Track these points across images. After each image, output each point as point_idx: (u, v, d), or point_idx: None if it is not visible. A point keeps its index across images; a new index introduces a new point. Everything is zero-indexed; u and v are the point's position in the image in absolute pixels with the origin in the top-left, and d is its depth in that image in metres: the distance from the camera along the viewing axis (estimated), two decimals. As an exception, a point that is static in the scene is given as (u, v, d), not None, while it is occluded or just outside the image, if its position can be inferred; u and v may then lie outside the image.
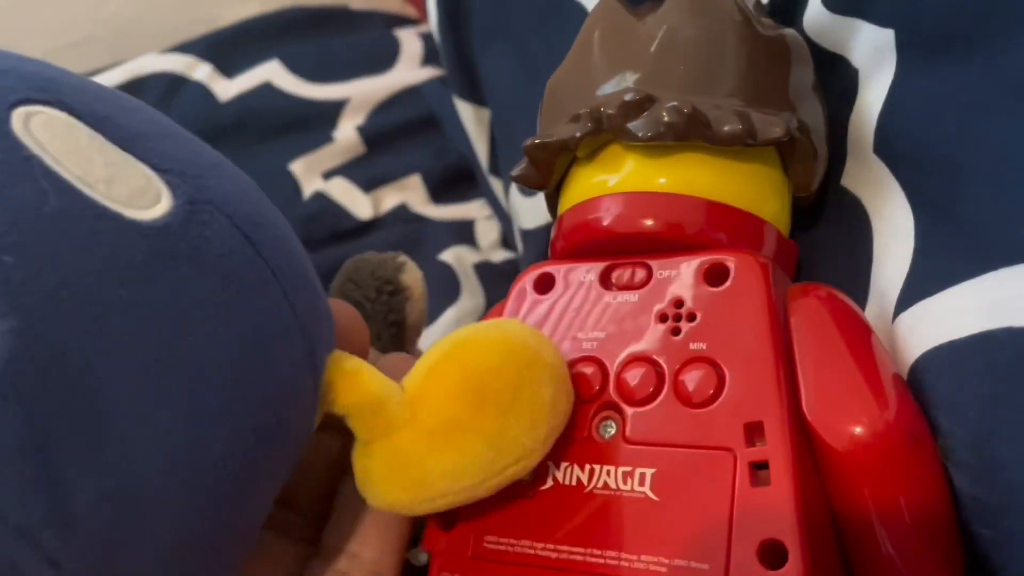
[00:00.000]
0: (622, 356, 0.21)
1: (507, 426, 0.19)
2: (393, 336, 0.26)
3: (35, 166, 0.15)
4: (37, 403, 0.13)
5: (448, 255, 0.45)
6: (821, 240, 0.25)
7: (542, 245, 0.34)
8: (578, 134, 0.22)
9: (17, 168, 0.14)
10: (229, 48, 0.57)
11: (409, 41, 0.59)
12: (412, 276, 0.26)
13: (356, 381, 0.19)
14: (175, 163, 0.17)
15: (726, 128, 0.21)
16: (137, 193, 0.16)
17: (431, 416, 0.19)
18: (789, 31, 0.23)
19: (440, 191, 0.51)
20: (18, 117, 0.15)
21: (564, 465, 0.21)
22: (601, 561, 0.19)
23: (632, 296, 0.22)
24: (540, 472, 0.21)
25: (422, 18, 0.64)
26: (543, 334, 0.21)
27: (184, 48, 0.58)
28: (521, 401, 0.19)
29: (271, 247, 0.18)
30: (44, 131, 0.15)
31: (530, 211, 0.37)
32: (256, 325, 0.17)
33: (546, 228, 0.34)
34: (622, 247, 0.22)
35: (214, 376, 0.16)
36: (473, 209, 0.51)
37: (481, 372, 0.19)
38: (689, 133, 0.21)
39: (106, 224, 0.15)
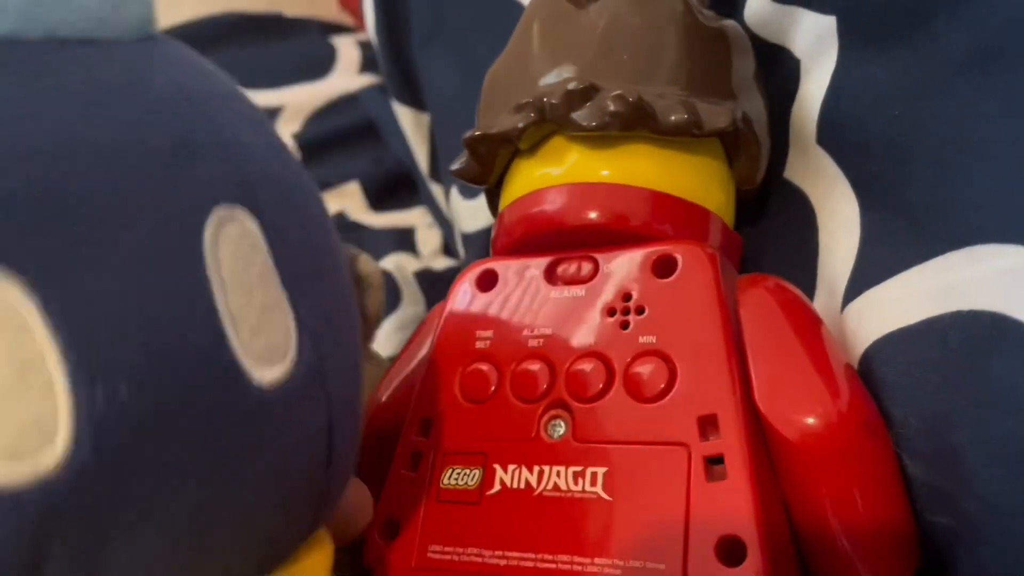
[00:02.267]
0: (571, 352, 0.20)
1: None
2: None
3: (197, 297, 0.12)
4: None
5: (388, 262, 0.44)
6: (766, 233, 0.24)
7: (484, 249, 0.34)
8: (521, 125, 0.21)
9: (182, 290, 0.12)
10: None
11: (346, 48, 0.58)
12: (368, 266, 0.24)
13: None
14: (317, 320, 0.14)
15: (672, 118, 0.20)
16: (272, 351, 0.13)
17: None
18: (729, 22, 0.23)
19: (379, 199, 0.50)
20: (213, 225, 0.12)
21: (512, 468, 0.20)
22: (553, 566, 0.18)
23: (579, 290, 0.21)
24: (487, 476, 0.20)
25: (360, 26, 0.63)
26: None
27: (112, 54, 0.56)
28: None
29: (345, 436, 0.15)
30: (228, 248, 0.12)
31: (471, 214, 0.36)
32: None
33: (488, 231, 0.33)
34: (567, 241, 0.21)
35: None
36: (413, 216, 0.49)
37: None
38: (635, 123, 0.20)
39: (228, 383, 0.12)
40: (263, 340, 0.13)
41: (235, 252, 0.13)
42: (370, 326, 0.25)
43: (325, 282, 0.15)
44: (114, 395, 0.11)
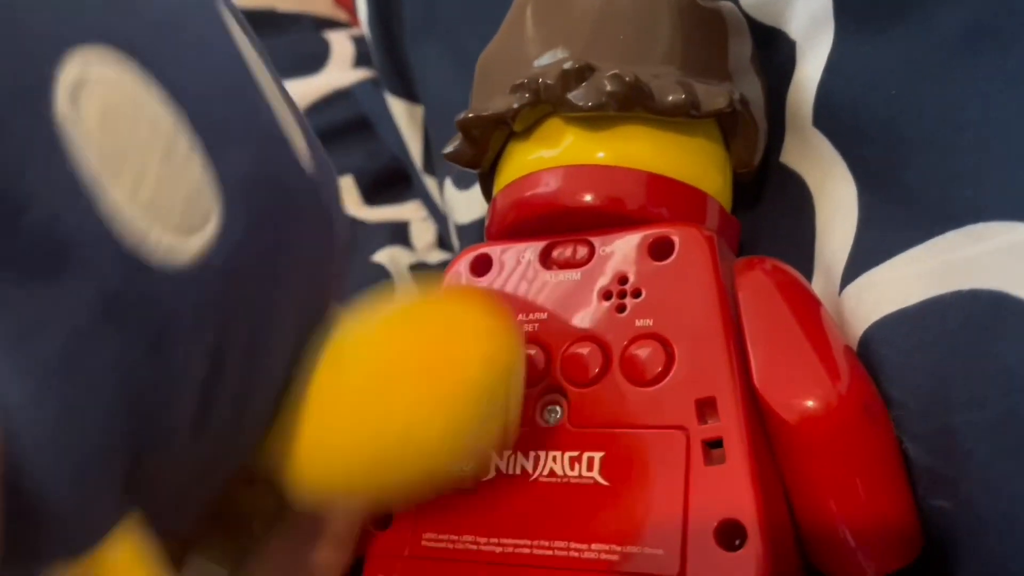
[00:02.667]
0: (567, 336, 0.20)
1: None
2: None
3: (57, 169, 0.11)
4: None
5: (382, 256, 0.44)
6: (763, 217, 0.24)
7: (479, 239, 0.33)
8: (515, 105, 0.21)
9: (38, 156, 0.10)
10: None
11: (340, 43, 0.58)
12: None
13: None
14: (240, 173, 0.13)
15: (670, 98, 0.20)
16: (182, 218, 0.12)
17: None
18: (726, 4, 0.23)
19: (373, 193, 0.49)
20: (67, 80, 0.11)
21: (507, 453, 0.19)
22: (549, 552, 0.18)
23: (574, 274, 0.21)
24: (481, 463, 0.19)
25: (353, 21, 0.62)
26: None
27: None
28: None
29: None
30: (96, 111, 0.11)
31: (465, 204, 0.35)
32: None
33: (482, 221, 0.33)
34: (562, 224, 0.21)
35: None
36: (408, 210, 0.49)
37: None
38: (632, 103, 0.20)
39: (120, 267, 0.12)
40: (169, 213, 0.12)
41: (107, 115, 0.11)
42: None
43: (240, 109, 0.14)
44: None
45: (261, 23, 0.60)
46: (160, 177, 0.12)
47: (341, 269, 0.17)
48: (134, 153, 0.11)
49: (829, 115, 0.21)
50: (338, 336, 0.16)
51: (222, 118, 0.13)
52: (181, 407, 0.13)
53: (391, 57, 0.44)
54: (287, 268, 0.14)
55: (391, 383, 0.15)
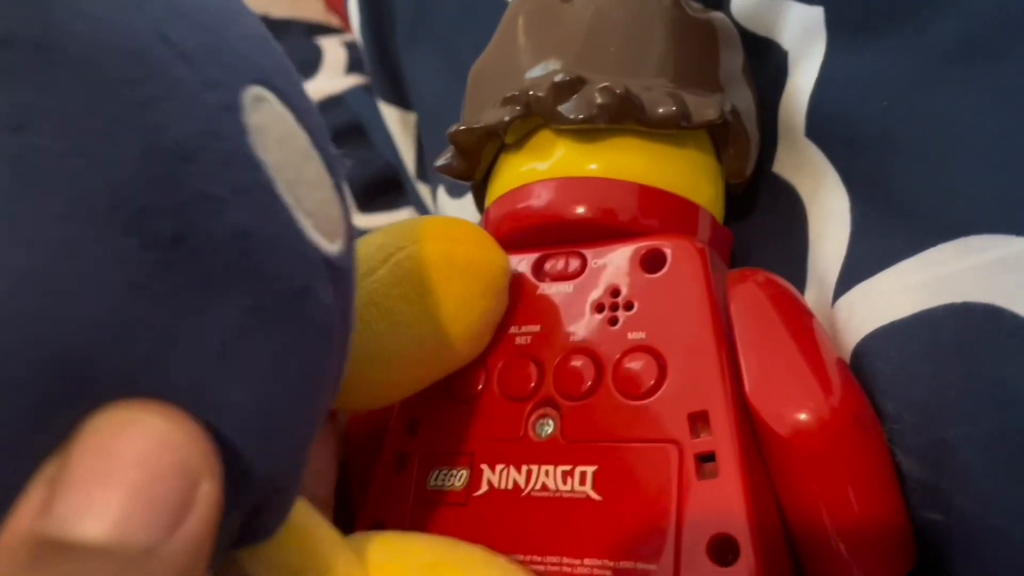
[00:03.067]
0: (559, 349, 0.20)
1: None
2: None
3: (264, 182, 0.12)
4: None
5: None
6: (755, 228, 0.24)
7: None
8: (507, 118, 0.21)
9: (249, 177, 0.12)
10: None
11: (332, 49, 0.58)
12: None
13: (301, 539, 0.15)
14: (347, 193, 0.15)
15: (660, 110, 0.20)
16: (334, 228, 0.14)
17: None
18: (717, 14, 0.23)
19: (366, 200, 0.49)
20: (250, 103, 0.12)
21: (499, 468, 0.19)
22: (541, 568, 0.18)
23: (567, 287, 0.20)
24: (474, 477, 0.19)
25: (345, 27, 0.62)
26: None
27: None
28: None
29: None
30: (269, 128, 0.13)
31: (459, 213, 0.35)
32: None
33: (476, 230, 0.33)
34: (554, 236, 0.21)
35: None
36: (401, 217, 0.49)
37: None
38: (622, 115, 0.20)
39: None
40: (326, 224, 0.14)
41: (273, 136, 0.13)
42: None
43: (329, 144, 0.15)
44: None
45: (254, 29, 0.60)
46: (313, 186, 0.13)
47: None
48: (300, 169, 0.13)
49: (821, 125, 0.21)
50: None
51: (323, 134, 0.14)
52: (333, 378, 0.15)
53: (383, 63, 0.44)
54: None
55: (446, 283, 0.19)
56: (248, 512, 0.13)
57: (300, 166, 0.13)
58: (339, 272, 0.14)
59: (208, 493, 0.11)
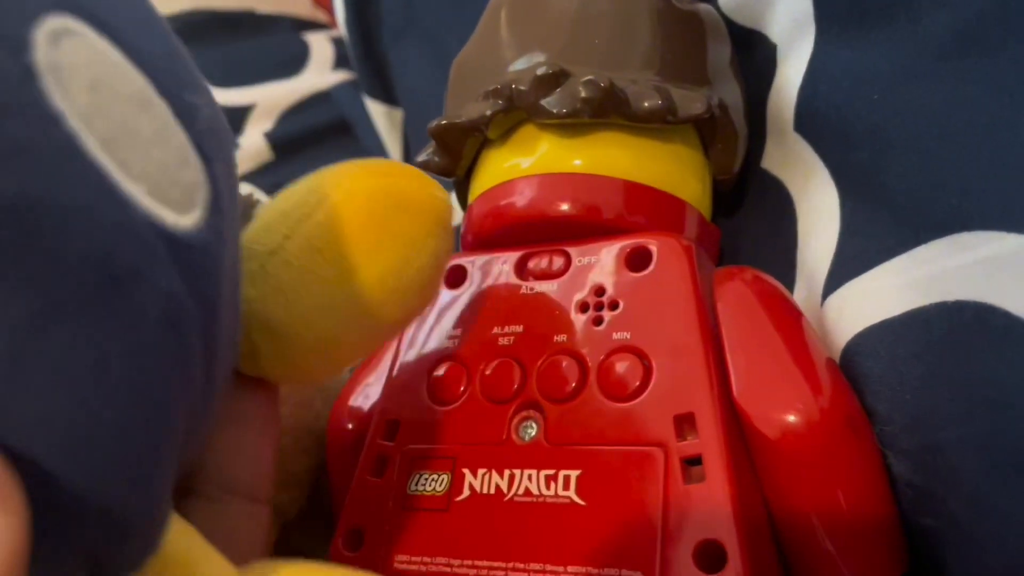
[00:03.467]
0: (542, 350, 0.19)
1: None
2: None
3: (60, 138, 0.10)
4: None
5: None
6: (743, 225, 0.24)
7: (458, 246, 0.33)
8: (488, 112, 0.20)
9: (35, 131, 0.09)
10: None
11: (319, 45, 0.57)
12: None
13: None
14: (219, 150, 0.12)
15: (646, 104, 0.20)
16: (185, 195, 0.11)
17: None
18: (704, 7, 0.22)
19: (354, 197, 0.49)
20: (45, 39, 0.10)
21: (481, 472, 0.19)
22: (524, 575, 0.17)
23: (550, 286, 0.20)
24: (456, 482, 0.19)
25: (332, 23, 0.62)
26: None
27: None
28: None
29: (225, 313, 0.13)
30: (75, 69, 0.10)
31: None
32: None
33: (459, 230, 0.33)
34: (538, 234, 0.21)
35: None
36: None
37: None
38: (607, 109, 0.19)
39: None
40: (174, 189, 0.11)
41: (86, 76, 0.10)
42: None
43: (207, 95, 0.13)
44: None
45: (240, 25, 0.59)
46: (150, 144, 0.11)
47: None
48: (126, 121, 0.11)
49: (811, 120, 0.21)
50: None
51: (174, 77, 0.12)
52: (197, 382, 0.12)
53: (369, 59, 0.43)
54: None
55: (391, 220, 0.17)
56: (92, 555, 0.11)
57: (126, 118, 0.11)
58: (192, 251, 0.11)
59: (2, 530, 0.09)
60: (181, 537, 0.13)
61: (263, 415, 0.18)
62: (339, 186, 0.17)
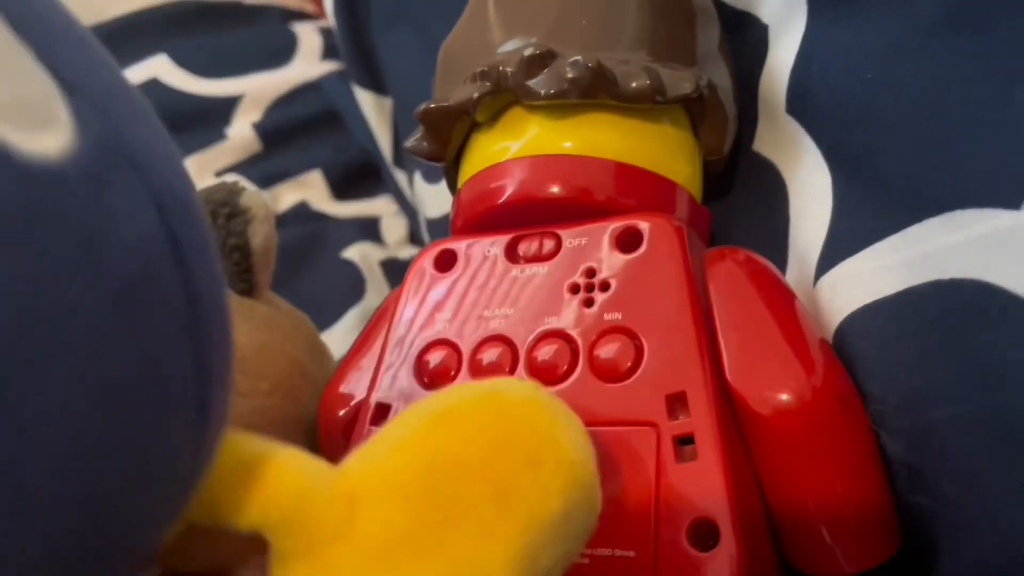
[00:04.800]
0: (533, 333, 0.19)
1: (488, 552, 0.13)
2: (238, 264, 0.22)
3: None
4: None
5: (352, 252, 0.43)
6: (734, 207, 0.24)
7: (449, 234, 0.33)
8: (476, 95, 0.20)
9: None
10: (115, 42, 0.54)
11: (307, 35, 0.57)
12: (252, 199, 0.23)
13: (262, 477, 0.12)
14: (87, 80, 0.10)
15: (634, 84, 0.19)
16: (25, 107, 0.09)
17: (375, 526, 0.13)
18: (694, -12, 0.22)
19: (342, 188, 0.48)
20: None
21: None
22: (516, 557, 0.17)
23: (541, 268, 0.20)
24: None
25: (320, 13, 0.61)
26: (566, 408, 0.15)
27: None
28: (512, 513, 0.13)
29: (194, 250, 0.11)
30: None
31: (435, 199, 0.35)
32: (140, 361, 0.10)
33: (452, 216, 0.32)
34: (528, 216, 0.20)
35: (68, 416, 0.09)
36: (379, 206, 0.48)
37: (456, 465, 0.13)
38: (595, 90, 0.19)
39: None
40: (5, 92, 0.09)
41: None
42: (260, 260, 0.23)
43: (73, 35, 0.11)
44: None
45: (227, 15, 0.59)
46: None
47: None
48: None
49: (802, 101, 0.21)
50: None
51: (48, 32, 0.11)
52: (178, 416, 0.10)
53: (358, 47, 0.43)
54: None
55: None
56: None
57: None
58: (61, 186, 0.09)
59: None
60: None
61: None
62: None
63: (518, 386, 0.14)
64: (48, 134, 0.09)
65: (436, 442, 0.13)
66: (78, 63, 0.11)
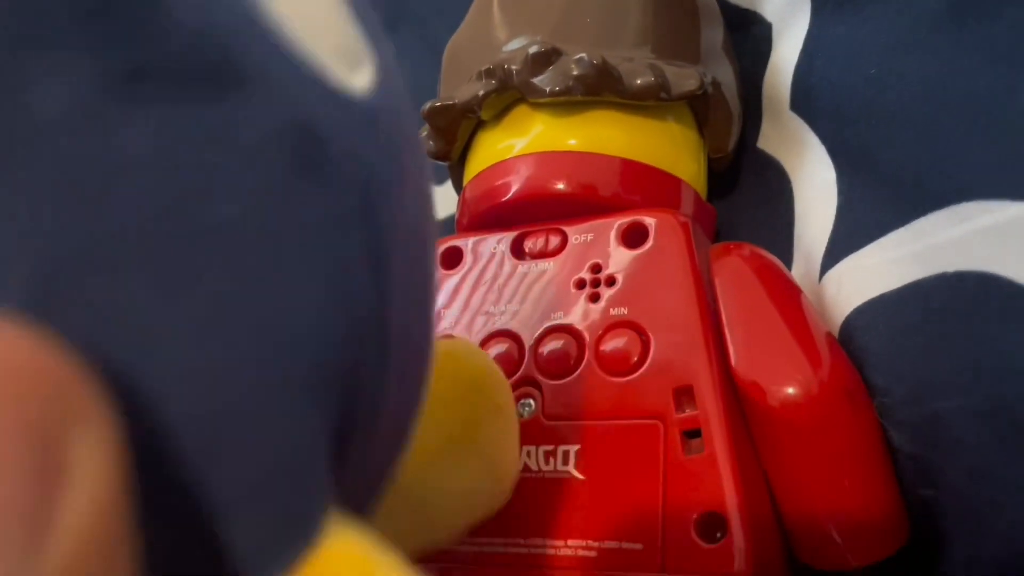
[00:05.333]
0: (539, 328, 0.19)
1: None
2: None
3: None
4: None
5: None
6: (739, 205, 0.24)
7: (454, 228, 0.33)
8: (481, 93, 0.20)
9: None
10: None
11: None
12: None
13: None
14: (374, 32, 0.11)
15: (639, 81, 0.19)
16: (346, 51, 0.10)
17: None
18: (698, -14, 0.22)
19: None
20: None
21: (480, 450, 0.19)
22: (524, 551, 0.17)
23: (547, 264, 0.20)
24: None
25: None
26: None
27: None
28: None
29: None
30: None
31: (440, 199, 0.35)
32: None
33: (458, 217, 0.32)
34: (533, 213, 0.20)
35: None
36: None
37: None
38: (599, 87, 0.19)
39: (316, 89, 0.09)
40: (330, 40, 0.10)
41: None
42: None
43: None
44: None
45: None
46: None
47: None
48: None
49: (806, 98, 0.21)
50: None
51: None
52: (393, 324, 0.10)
53: None
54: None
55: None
56: (218, 540, 0.07)
57: None
58: (376, 111, 0.10)
59: (91, 457, 0.06)
60: (350, 534, 0.09)
61: None
62: None
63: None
64: (358, 74, 0.10)
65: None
66: (368, 18, 0.11)
